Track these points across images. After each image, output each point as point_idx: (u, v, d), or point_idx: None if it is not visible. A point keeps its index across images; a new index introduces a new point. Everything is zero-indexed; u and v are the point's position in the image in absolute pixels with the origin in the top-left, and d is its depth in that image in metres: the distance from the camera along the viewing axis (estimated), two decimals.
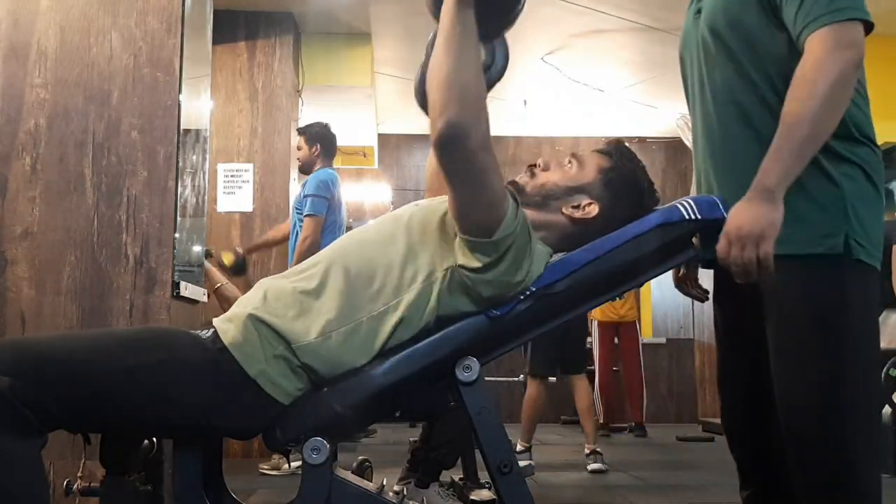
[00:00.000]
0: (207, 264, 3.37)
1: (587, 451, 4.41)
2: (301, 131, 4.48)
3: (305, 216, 4.17)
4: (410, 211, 1.53)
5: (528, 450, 4.49)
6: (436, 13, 1.48)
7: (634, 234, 1.46)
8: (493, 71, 1.60)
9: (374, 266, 1.42)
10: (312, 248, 4.13)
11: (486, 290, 1.39)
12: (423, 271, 1.41)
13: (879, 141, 1.57)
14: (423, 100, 1.67)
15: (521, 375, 4.95)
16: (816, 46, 1.42)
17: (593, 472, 4.26)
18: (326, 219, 4.21)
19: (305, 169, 4.46)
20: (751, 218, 1.39)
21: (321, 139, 4.39)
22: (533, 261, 1.41)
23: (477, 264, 1.36)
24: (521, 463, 4.47)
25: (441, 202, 1.51)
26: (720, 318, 1.75)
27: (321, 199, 4.18)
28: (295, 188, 5.06)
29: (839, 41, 1.41)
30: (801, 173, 1.44)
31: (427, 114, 1.69)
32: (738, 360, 1.69)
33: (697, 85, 1.68)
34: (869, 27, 1.45)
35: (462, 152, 1.30)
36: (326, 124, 4.45)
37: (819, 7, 1.44)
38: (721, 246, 1.43)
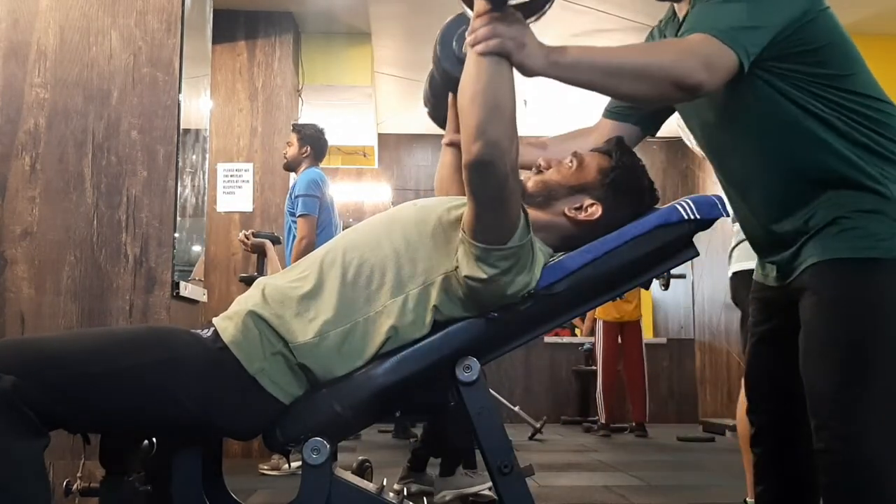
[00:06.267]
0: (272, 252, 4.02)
1: None
2: (296, 129, 4.48)
3: (298, 217, 4.18)
4: (407, 211, 1.52)
5: None
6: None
7: (634, 234, 1.46)
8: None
9: (371, 266, 1.42)
10: (309, 248, 4.14)
11: (486, 298, 1.39)
12: (420, 275, 1.40)
13: None
14: (432, 109, 1.75)
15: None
16: (697, 44, 1.38)
17: None
18: (319, 217, 4.22)
19: (290, 166, 4.48)
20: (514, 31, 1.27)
21: (313, 142, 4.39)
22: (533, 273, 1.41)
23: (482, 275, 1.35)
24: None
25: (439, 202, 1.50)
26: (757, 313, 1.74)
27: (312, 199, 4.19)
28: None
29: (710, 63, 1.36)
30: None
31: (434, 120, 1.77)
32: (773, 354, 1.68)
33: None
34: (740, 67, 1.39)
35: (496, 177, 1.28)
36: (322, 129, 4.46)
37: (715, 20, 1.39)
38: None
